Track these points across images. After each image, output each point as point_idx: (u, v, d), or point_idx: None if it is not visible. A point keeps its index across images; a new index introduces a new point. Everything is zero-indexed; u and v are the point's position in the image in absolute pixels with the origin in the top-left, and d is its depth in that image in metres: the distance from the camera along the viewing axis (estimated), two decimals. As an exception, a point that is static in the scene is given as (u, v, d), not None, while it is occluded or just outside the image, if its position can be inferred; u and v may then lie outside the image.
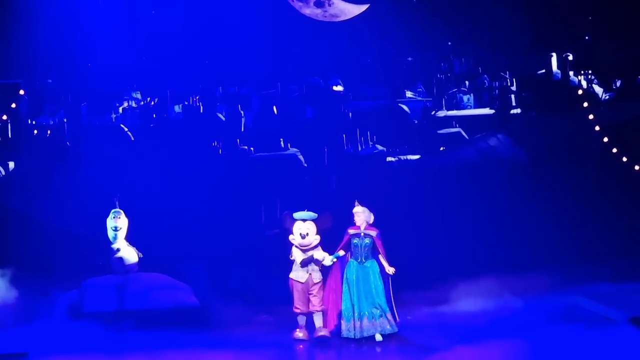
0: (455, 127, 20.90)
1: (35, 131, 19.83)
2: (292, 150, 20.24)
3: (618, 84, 20.81)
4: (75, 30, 19.44)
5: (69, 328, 14.67)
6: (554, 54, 20.84)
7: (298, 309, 13.88)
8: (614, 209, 18.91)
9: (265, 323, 15.38)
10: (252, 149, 20.17)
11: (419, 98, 21.18)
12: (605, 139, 19.82)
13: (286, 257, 14.08)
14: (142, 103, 20.51)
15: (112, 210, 15.88)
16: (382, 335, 13.51)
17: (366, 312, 13.50)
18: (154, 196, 18.28)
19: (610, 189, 19.15)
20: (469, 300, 15.59)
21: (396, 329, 13.53)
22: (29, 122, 19.88)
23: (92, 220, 16.38)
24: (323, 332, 13.68)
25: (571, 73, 20.78)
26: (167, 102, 20.42)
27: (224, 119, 20.48)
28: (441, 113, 21.02)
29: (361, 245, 13.69)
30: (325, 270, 13.88)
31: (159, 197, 18.38)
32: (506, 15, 19.62)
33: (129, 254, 15.90)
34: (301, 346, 13.69)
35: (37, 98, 19.95)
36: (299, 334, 13.89)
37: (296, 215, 13.95)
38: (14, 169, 19.49)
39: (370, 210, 13.92)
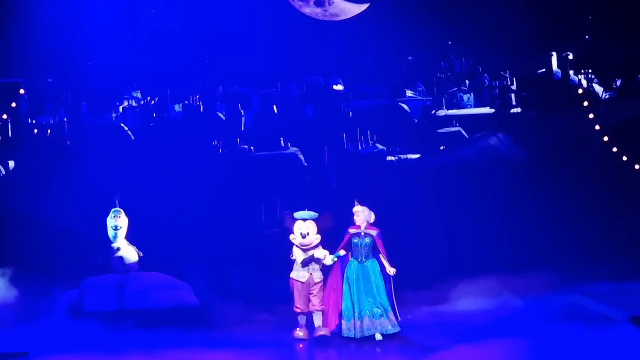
0: (456, 126, 20.90)
1: (36, 130, 19.84)
2: (293, 149, 20.25)
3: (618, 83, 20.82)
4: (75, 30, 19.45)
5: (69, 327, 14.66)
6: (554, 53, 20.85)
7: (298, 308, 13.88)
8: (614, 208, 18.92)
9: (266, 322, 15.38)
10: (252, 148, 20.18)
11: (419, 97, 21.19)
12: (605, 138, 19.83)
13: (286, 256, 14.07)
14: (142, 102, 20.52)
15: (112, 209, 15.87)
16: (383, 334, 13.50)
17: (367, 312, 13.50)
18: (154, 195, 18.29)
19: (610, 188, 19.16)
20: (469, 300, 15.59)
21: (398, 329, 13.51)
22: (29, 121, 19.89)
23: (92, 219, 16.37)
24: (323, 332, 13.68)
25: (571, 72, 20.79)
26: (167, 101, 20.42)
27: (224, 118, 20.48)
28: (441, 112, 21.02)
29: (361, 245, 13.68)
30: (325, 270, 13.88)
31: (159, 196, 18.38)
32: (506, 15, 19.62)
33: (129, 253, 15.90)
34: (301, 345, 13.69)
35: (37, 97, 19.96)
36: (299, 333, 13.88)
37: (297, 214, 13.94)
38: (14, 168, 19.50)
39: (371, 209, 13.91)
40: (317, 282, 13.85)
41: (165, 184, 18.72)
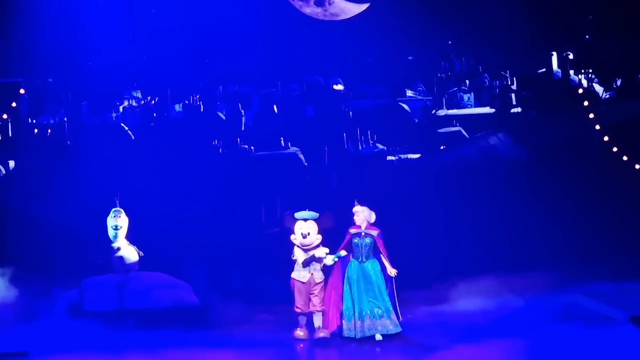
0: (456, 126, 20.90)
1: (36, 130, 19.84)
2: (293, 149, 20.25)
3: (618, 82, 20.82)
4: (75, 30, 19.46)
5: (70, 327, 14.66)
6: (555, 53, 20.85)
7: (299, 308, 13.87)
8: (614, 208, 18.92)
9: (266, 322, 15.37)
10: (252, 147, 20.18)
11: (420, 97, 21.19)
12: (606, 138, 19.83)
13: (286, 256, 14.07)
14: (142, 102, 20.52)
15: (113, 209, 15.87)
16: (384, 335, 13.49)
17: (367, 312, 13.49)
18: (155, 195, 18.29)
19: (610, 188, 19.16)
20: (469, 300, 15.59)
21: (399, 329, 13.50)
22: (30, 121, 19.89)
23: (93, 219, 16.38)
24: (323, 334, 13.65)
25: (571, 72, 20.79)
26: (168, 101, 20.42)
27: (224, 117, 20.48)
28: (441, 112, 21.02)
29: (362, 245, 13.68)
30: (326, 270, 13.87)
31: (159, 196, 18.38)
32: (506, 15, 19.63)
33: (130, 253, 15.90)
34: (301, 345, 13.69)
35: (37, 97, 19.97)
36: (300, 333, 13.88)
37: (297, 214, 13.94)
38: (14, 167, 19.50)
39: (371, 209, 13.91)
40: (318, 282, 13.84)
41: (165, 184, 18.72)
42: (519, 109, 20.85)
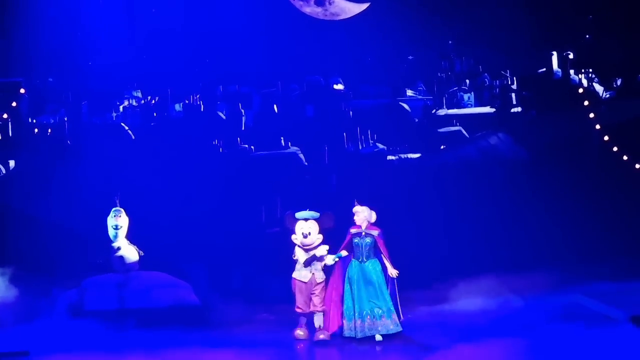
0: (456, 125, 20.91)
1: (36, 130, 19.84)
2: (293, 148, 20.25)
3: (618, 82, 20.82)
4: (75, 29, 19.47)
5: (70, 327, 14.66)
6: (555, 53, 20.86)
7: (300, 309, 13.86)
8: (615, 207, 18.92)
9: (266, 322, 15.37)
10: (252, 147, 20.18)
11: (420, 97, 21.19)
12: (606, 138, 19.84)
13: (287, 255, 14.07)
14: (142, 102, 20.52)
15: (113, 209, 15.87)
16: (384, 334, 13.48)
17: (367, 312, 13.48)
18: (155, 195, 18.29)
19: (610, 188, 19.16)
20: (469, 299, 15.59)
21: (400, 328, 13.49)
22: (30, 120, 19.90)
23: (93, 218, 16.38)
24: (323, 336, 13.63)
25: (572, 72, 20.79)
26: (168, 100, 20.42)
27: (224, 117, 20.48)
28: (442, 112, 21.02)
29: (362, 245, 13.67)
30: (327, 271, 13.87)
31: (159, 195, 18.39)
32: (507, 14, 19.64)
33: (130, 253, 15.90)
34: (301, 345, 13.69)
35: (37, 97, 19.97)
36: (300, 332, 13.87)
37: (298, 214, 13.93)
38: (14, 167, 19.51)
39: (371, 208, 13.90)
40: (319, 282, 13.83)
41: (165, 184, 18.72)
42: (519, 109, 20.86)
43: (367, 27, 20.29)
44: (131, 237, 15.97)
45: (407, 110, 20.97)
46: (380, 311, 13.49)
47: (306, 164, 20.16)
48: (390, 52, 20.69)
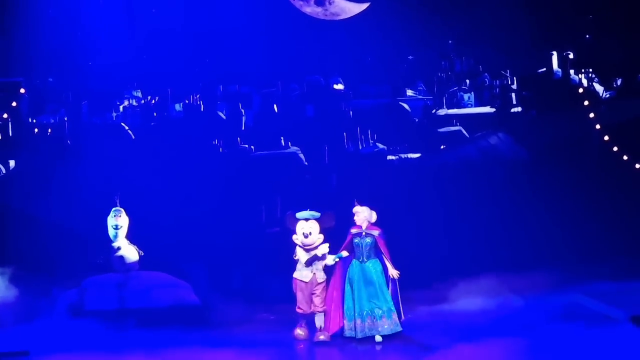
0: (456, 125, 20.91)
1: (36, 130, 19.84)
2: (293, 148, 20.25)
3: (618, 82, 20.83)
4: (75, 29, 19.47)
5: (70, 326, 14.67)
6: (555, 53, 20.86)
7: (301, 309, 13.85)
8: (615, 207, 18.92)
9: (266, 322, 15.38)
10: (252, 147, 20.18)
11: (420, 96, 21.19)
12: (606, 138, 19.84)
13: (287, 255, 14.07)
14: (142, 102, 20.52)
15: (113, 209, 15.87)
16: (384, 335, 13.47)
17: (368, 312, 13.47)
18: (155, 194, 18.29)
19: (610, 188, 19.16)
20: (469, 299, 15.58)
21: (400, 328, 13.48)
22: (30, 120, 19.90)
23: (93, 218, 16.38)
24: (323, 337, 13.62)
25: (572, 71, 20.79)
26: (168, 100, 20.42)
27: (224, 117, 20.49)
28: (442, 111, 21.02)
29: (362, 245, 13.67)
30: (328, 271, 13.86)
31: (159, 195, 18.38)
32: (507, 14, 19.63)
33: (130, 253, 15.90)
34: (301, 346, 13.69)
35: (37, 96, 19.97)
36: (300, 332, 13.87)
37: (299, 214, 13.93)
38: (14, 167, 19.51)
39: (371, 208, 13.89)
40: (320, 282, 13.82)
41: (165, 184, 18.72)
42: (519, 109, 20.86)
43: (367, 27, 20.30)
44: (131, 237, 15.97)
45: (407, 110, 20.97)
46: (381, 311, 13.48)
47: (306, 163, 20.16)
48: (390, 52, 20.69)
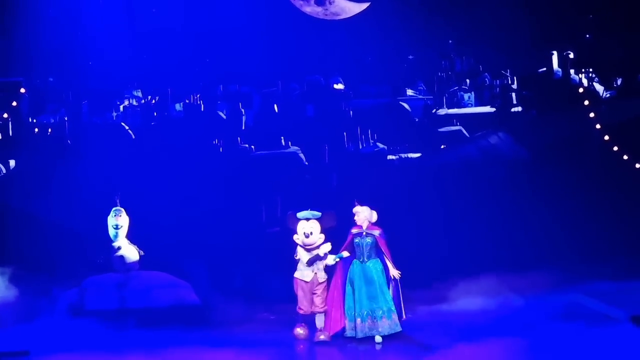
0: (456, 125, 20.91)
1: (36, 129, 19.84)
2: (293, 148, 20.25)
3: (619, 82, 20.83)
4: (76, 29, 19.48)
5: (70, 326, 14.67)
6: (555, 52, 20.86)
7: (302, 309, 13.84)
8: (615, 207, 18.91)
9: (266, 321, 15.37)
10: (252, 147, 20.18)
11: (420, 96, 21.19)
12: (606, 137, 19.83)
13: (287, 255, 14.07)
14: (143, 101, 20.53)
15: (113, 209, 15.87)
16: (384, 335, 13.46)
17: (368, 312, 13.47)
18: (155, 194, 18.29)
19: (611, 188, 19.15)
20: (469, 299, 15.59)
21: (399, 329, 13.47)
22: (30, 120, 19.90)
23: (93, 218, 16.38)
24: (323, 337, 13.62)
25: (572, 71, 20.79)
26: (168, 100, 20.43)
27: (224, 117, 20.49)
28: (442, 111, 21.03)
29: (363, 245, 13.66)
30: (329, 271, 13.86)
31: (160, 195, 18.38)
32: (507, 14, 19.63)
33: (130, 252, 15.90)
34: (302, 346, 13.68)
35: (38, 96, 19.98)
36: (300, 331, 13.87)
37: (300, 214, 13.92)
38: (14, 167, 19.51)
39: (372, 208, 13.89)
40: (321, 282, 13.82)
41: (166, 183, 18.72)
42: (519, 108, 20.85)
43: (367, 26, 20.30)
44: (131, 236, 15.97)
45: (408, 109, 20.97)
46: (381, 311, 13.47)
47: (306, 163, 20.16)
48: (391, 51, 20.69)
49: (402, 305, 13.62)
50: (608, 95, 20.81)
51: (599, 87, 20.87)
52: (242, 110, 20.51)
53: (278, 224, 18.33)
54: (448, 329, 14.01)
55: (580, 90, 20.51)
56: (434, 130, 20.78)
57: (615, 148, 19.75)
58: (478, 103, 21.10)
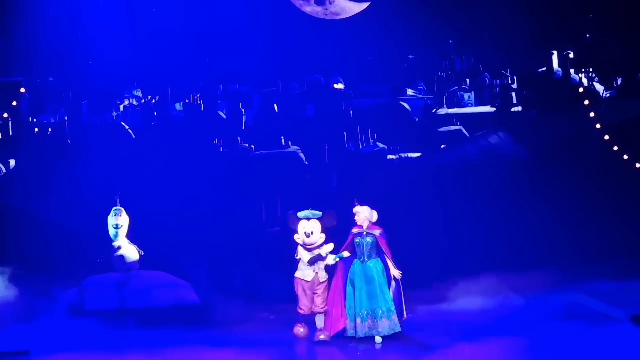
0: (457, 125, 20.92)
1: (37, 129, 19.85)
2: (293, 148, 20.25)
3: (619, 82, 20.83)
4: (76, 29, 19.49)
5: (70, 326, 14.66)
6: (555, 52, 20.86)
7: (302, 310, 13.83)
8: (615, 207, 18.91)
9: (267, 321, 15.37)
10: (253, 147, 20.18)
11: (420, 96, 21.20)
12: (606, 137, 19.84)
13: (287, 255, 14.06)
14: (143, 101, 20.53)
15: (114, 208, 15.86)
16: (384, 335, 13.46)
17: (368, 312, 13.46)
18: (155, 194, 18.29)
19: (611, 187, 19.15)
20: (469, 298, 15.58)
21: (399, 329, 13.46)
22: (30, 120, 19.91)
23: (93, 218, 16.37)
24: (323, 337, 13.61)
25: (572, 71, 20.80)
26: (168, 100, 20.44)
27: (225, 117, 20.49)
28: (442, 111, 21.03)
29: (363, 245, 13.66)
30: (330, 271, 13.85)
31: (160, 195, 18.38)
32: (507, 14, 19.64)
33: (130, 252, 15.90)
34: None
35: (38, 96, 19.99)
36: (300, 330, 13.86)
37: (301, 214, 13.92)
38: (15, 167, 19.52)
39: (372, 208, 13.89)
40: (322, 282, 13.81)
41: (166, 183, 18.72)
42: (519, 108, 20.86)
43: (367, 26, 20.31)
44: (132, 236, 15.96)
45: (408, 109, 20.98)
46: (381, 312, 13.47)
47: (307, 163, 20.16)
48: (391, 51, 20.70)
49: (404, 304, 13.61)
50: (608, 95, 20.82)
51: (599, 87, 20.88)
52: (243, 110, 20.51)
53: (278, 224, 18.33)
54: (448, 328, 14.01)
55: (581, 90, 20.52)
56: (434, 130, 20.79)
57: (616, 148, 19.75)
58: (478, 103, 21.11)
